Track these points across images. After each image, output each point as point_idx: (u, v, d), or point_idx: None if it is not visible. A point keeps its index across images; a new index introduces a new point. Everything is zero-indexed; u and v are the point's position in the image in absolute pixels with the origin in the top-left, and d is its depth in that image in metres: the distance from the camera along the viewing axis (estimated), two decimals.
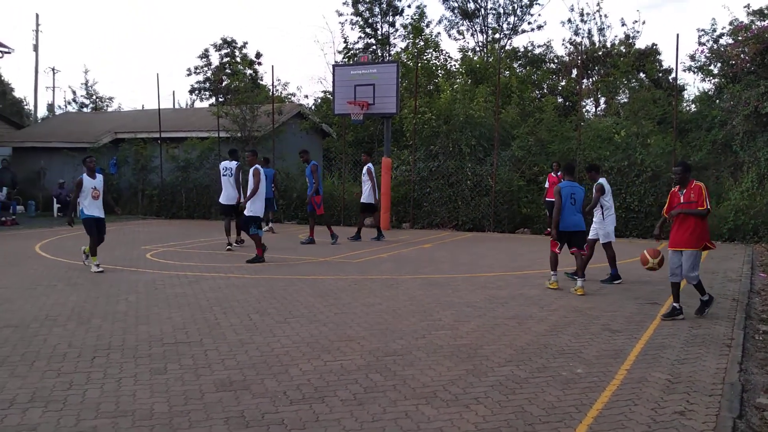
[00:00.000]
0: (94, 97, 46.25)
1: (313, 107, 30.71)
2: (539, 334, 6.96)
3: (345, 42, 32.56)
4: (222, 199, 14.13)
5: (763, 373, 5.89)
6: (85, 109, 43.58)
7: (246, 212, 12.29)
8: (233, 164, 14.01)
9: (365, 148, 21.07)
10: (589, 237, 10.27)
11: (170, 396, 5.03)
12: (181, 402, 4.91)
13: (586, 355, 6.18)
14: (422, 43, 26.64)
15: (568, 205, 9.40)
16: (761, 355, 6.46)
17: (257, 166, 12.44)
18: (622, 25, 37.59)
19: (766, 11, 17.20)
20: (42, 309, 8.03)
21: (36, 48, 40.64)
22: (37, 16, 40.65)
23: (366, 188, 15.63)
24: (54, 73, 60.99)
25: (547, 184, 17.21)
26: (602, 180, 10.44)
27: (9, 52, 25.12)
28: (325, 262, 12.32)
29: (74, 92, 61.14)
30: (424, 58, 25.93)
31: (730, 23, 18.13)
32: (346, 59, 31.48)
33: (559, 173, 17.03)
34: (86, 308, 8.09)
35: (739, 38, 16.06)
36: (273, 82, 23.24)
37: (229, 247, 13.70)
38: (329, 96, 22.06)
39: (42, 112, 51.71)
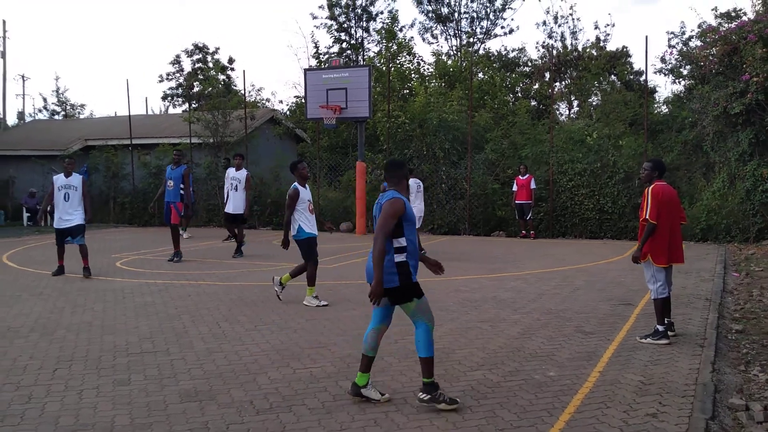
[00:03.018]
0: (65, 104, 45.71)
1: (287, 112, 30.54)
2: (512, 338, 6.90)
3: (316, 47, 32.43)
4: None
5: (735, 372, 5.88)
6: (56, 117, 43.00)
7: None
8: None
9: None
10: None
11: (133, 408, 4.88)
12: (144, 414, 4.76)
13: (559, 358, 6.13)
14: (395, 47, 26.59)
15: None
16: (734, 354, 6.46)
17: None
18: (595, 28, 37.99)
19: (732, 14, 17.40)
20: (4, 320, 7.80)
21: (3, 55, 39.93)
22: (3, 22, 39.86)
23: (239, 197, 13.74)
24: (24, 81, 60.44)
25: (515, 187, 17.24)
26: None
27: None
28: None
29: (45, 99, 60.31)
30: (398, 62, 25.89)
31: (699, 26, 18.36)
32: (320, 64, 31.35)
33: (527, 175, 17.08)
34: (51, 319, 7.88)
35: (707, 40, 16.21)
36: (245, 87, 23.07)
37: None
38: (303, 101, 21.91)
39: (12, 120, 50.90)
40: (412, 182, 13.41)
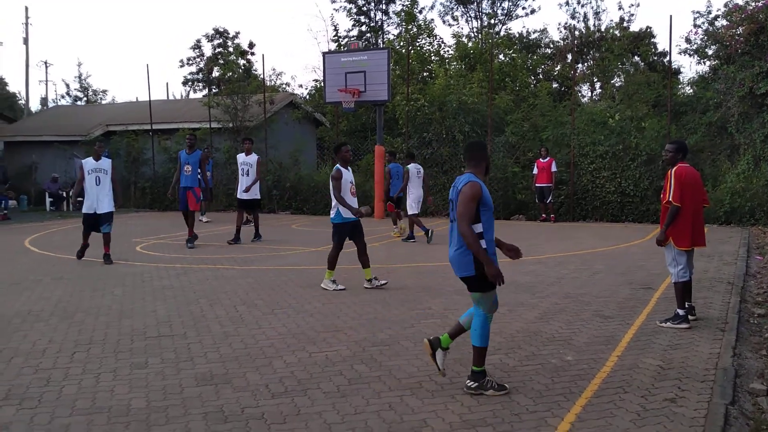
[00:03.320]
0: (87, 90, 46.12)
1: (307, 96, 30.51)
2: (529, 322, 6.84)
3: (335, 30, 32.28)
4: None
5: (757, 357, 5.77)
6: (79, 103, 43.38)
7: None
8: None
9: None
10: None
11: (149, 391, 4.90)
12: (160, 397, 4.78)
13: (577, 342, 6.06)
14: (415, 30, 26.37)
15: None
16: (755, 339, 6.35)
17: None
18: (619, 8, 37.38)
19: None
20: (25, 304, 7.89)
21: (26, 41, 40.32)
22: (26, 9, 40.40)
23: (248, 181, 13.43)
24: (47, 67, 60.92)
25: (535, 170, 17.07)
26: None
27: None
28: (316, 252, 12.19)
29: (67, 85, 60.92)
30: (417, 44, 25.69)
31: (725, 5, 17.95)
32: (339, 47, 31.23)
33: (548, 158, 16.91)
34: (71, 303, 7.96)
35: (734, 19, 15.87)
36: (264, 72, 23.06)
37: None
38: (322, 85, 21.84)
39: (35, 106, 51.47)
40: (412, 168, 13.44)
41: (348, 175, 8.63)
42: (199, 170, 12.59)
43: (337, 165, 8.64)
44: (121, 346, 6.10)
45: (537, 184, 17.10)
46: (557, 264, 10.49)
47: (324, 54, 18.89)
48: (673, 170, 6.65)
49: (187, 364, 5.52)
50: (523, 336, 6.29)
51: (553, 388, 4.89)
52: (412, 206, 13.52)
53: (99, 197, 10.82)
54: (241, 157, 13.69)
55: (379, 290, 8.51)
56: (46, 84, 61.61)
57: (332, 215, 8.70)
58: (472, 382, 4.80)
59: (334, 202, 8.59)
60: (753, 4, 16.08)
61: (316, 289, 8.57)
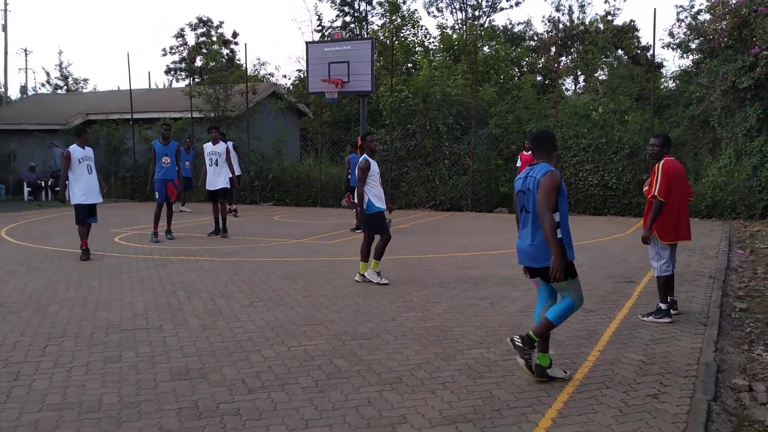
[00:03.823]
0: (67, 78, 45.49)
1: (291, 87, 30.25)
2: (511, 315, 6.78)
3: (319, 19, 32.04)
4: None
5: (738, 352, 5.75)
6: (59, 91, 42.79)
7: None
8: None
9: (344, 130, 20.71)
10: None
11: (122, 386, 4.78)
12: (133, 392, 4.66)
13: (559, 336, 6.00)
14: (399, 20, 26.22)
15: None
16: (737, 333, 6.33)
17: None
18: (605, 2, 37.41)
19: None
20: None
21: (5, 28, 39.71)
22: None
23: (219, 172, 12.92)
24: (26, 55, 60.11)
25: (519, 163, 17.04)
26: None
27: None
28: (299, 243, 12.07)
29: (48, 73, 60.11)
30: (402, 35, 25.55)
31: None
32: (323, 37, 30.99)
33: (531, 151, 16.87)
34: (45, 294, 7.79)
35: (717, 13, 15.88)
36: (246, 61, 22.77)
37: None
38: (305, 75, 21.64)
39: (15, 94, 50.71)
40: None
41: (375, 166, 8.39)
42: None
43: (365, 155, 8.36)
44: (95, 339, 5.97)
45: None
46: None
47: (307, 44, 18.66)
48: (661, 164, 6.57)
49: (162, 358, 5.40)
50: (505, 330, 6.23)
51: (534, 384, 4.83)
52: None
53: (91, 186, 10.27)
54: (208, 147, 13.05)
55: (362, 283, 8.40)
56: (26, 72, 60.77)
57: (364, 206, 8.35)
58: (520, 342, 4.82)
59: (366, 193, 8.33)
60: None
61: (297, 282, 8.46)
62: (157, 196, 12.26)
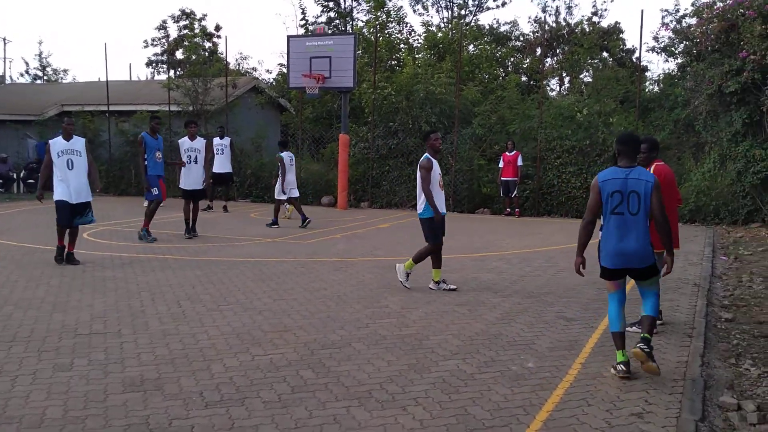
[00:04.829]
0: (46, 68, 44.66)
1: (273, 82, 29.77)
2: (490, 323, 6.48)
3: (303, 13, 31.62)
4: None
5: (725, 366, 5.50)
6: (38, 81, 42.00)
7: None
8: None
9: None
10: None
11: (69, 398, 4.43)
12: (80, 405, 4.31)
13: (539, 347, 5.72)
14: (384, 17, 25.86)
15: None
16: (723, 345, 6.08)
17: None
18: (593, 5, 37.31)
19: None
20: None
21: None
22: None
23: (198, 169, 12.29)
24: (5, 44, 58.83)
25: (501, 163, 16.78)
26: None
27: None
28: (274, 243, 11.71)
29: (27, 63, 59.05)
30: (386, 32, 25.19)
31: (692, 3, 17.82)
32: (307, 33, 30.55)
33: (514, 151, 16.63)
34: (1, 293, 7.39)
35: (704, 16, 15.69)
36: (226, 54, 22.29)
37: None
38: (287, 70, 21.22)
39: None
40: (286, 156, 13.97)
41: (437, 166, 7.93)
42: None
43: (427, 154, 7.90)
44: (47, 344, 5.59)
45: (502, 178, 16.79)
46: (521, 261, 10.19)
47: (289, 37, 18.24)
48: (652, 170, 6.24)
49: (117, 367, 5.04)
50: (483, 339, 5.94)
51: (512, 399, 4.54)
52: (280, 192, 13.88)
53: (74, 183, 9.22)
54: (185, 143, 12.21)
55: (336, 286, 8.07)
56: (4, 62, 59.43)
57: (421, 209, 7.90)
58: (648, 347, 4.93)
59: (422, 195, 7.86)
60: (720, 3, 15.92)
61: (268, 284, 8.12)
62: (155, 192, 11.41)
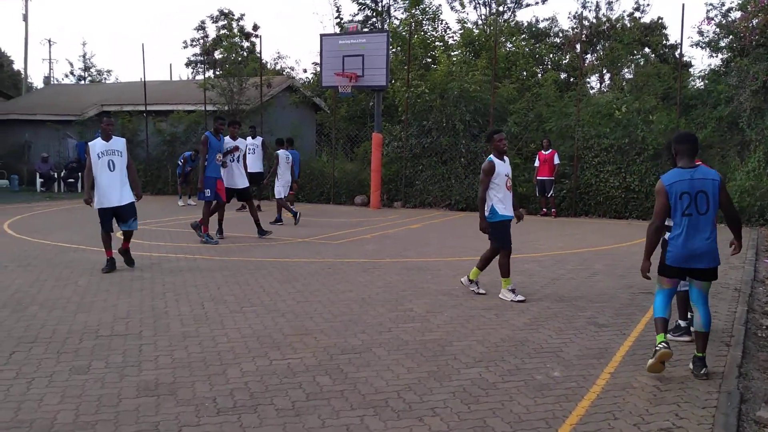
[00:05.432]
0: (90, 69, 45.59)
1: (309, 80, 29.83)
2: (517, 328, 6.28)
3: (338, 11, 31.59)
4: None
5: (764, 378, 5.20)
6: (82, 82, 42.89)
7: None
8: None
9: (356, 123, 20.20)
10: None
11: (81, 402, 4.38)
12: (92, 410, 4.26)
13: (566, 355, 5.51)
14: (420, 14, 25.67)
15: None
16: (763, 355, 5.77)
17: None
18: (635, 1, 36.49)
19: None
20: None
21: (26, 18, 39.71)
22: None
23: (240, 167, 12.02)
24: (50, 45, 60.30)
25: (537, 162, 16.46)
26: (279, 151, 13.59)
27: None
28: (304, 243, 11.64)
29: (71, 64, 60.37)
30: (421, 29, 24.99)
31: None
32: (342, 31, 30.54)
33: (550, 150, 16.31)
34: (28, 293, 7.44)
35: (749, 9, 15.17)
36: (261, 53, 22.42)
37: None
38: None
39: (39, 84, 50.95)
40: (282, 153, 13.87)
41: (503, 167, 7.55)
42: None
43: (490, 156, 7.59)
44: (67, 345, 5.58)
45: (538, 177, 16.50)
46: (554, 263, 9.93)
47: (321, 36, 18.20)
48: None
49: (133, 370, 4.99)
50: (508, 345, 5.74)
51: (534, 411, 4.35)
52: (280, 191, 13.83)
53: (115, 186, 8.71)
54: (229, 143, 11.60)
55: (362, 288, 7.95)
56: (50, 62, 60.89)
57: (487, 213, 7.60)
58: (704, 369, 5.02)
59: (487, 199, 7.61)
60: None
61: (294, 285, 8.03)
62: (207, 194, 11.16)
